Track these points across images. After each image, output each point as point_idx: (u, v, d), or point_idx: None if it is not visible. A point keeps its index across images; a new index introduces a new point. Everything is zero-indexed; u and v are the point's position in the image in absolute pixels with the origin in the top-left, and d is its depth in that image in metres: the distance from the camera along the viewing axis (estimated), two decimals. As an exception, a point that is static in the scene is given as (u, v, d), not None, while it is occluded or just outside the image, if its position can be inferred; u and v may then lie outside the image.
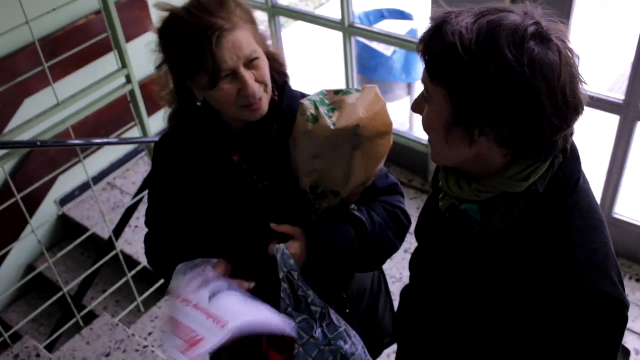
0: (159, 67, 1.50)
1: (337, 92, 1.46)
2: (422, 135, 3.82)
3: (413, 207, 3.68)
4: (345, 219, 1.54)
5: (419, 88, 4.64)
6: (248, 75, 1.40)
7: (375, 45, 4.35)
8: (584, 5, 2.85)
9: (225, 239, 1.60)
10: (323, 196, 1.51)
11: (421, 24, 4.43)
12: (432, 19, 1.10)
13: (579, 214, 1.16)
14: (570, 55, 1.07)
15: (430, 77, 1.10)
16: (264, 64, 1.45)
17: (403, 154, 3.85)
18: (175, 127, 1.60)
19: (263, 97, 1.45)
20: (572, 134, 1.15)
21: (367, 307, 1.82)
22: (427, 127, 1.17)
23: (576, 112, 1.08)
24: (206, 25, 1.35)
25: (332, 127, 1.39)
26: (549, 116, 1.04)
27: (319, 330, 1.49)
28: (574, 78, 1.06)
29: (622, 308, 1.14)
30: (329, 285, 1.64)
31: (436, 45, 1.07)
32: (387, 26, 4.44)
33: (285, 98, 1.55)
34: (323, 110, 1.42)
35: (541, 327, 1.17)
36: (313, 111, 1.41)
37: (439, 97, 1.09)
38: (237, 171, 1.54)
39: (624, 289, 1.17)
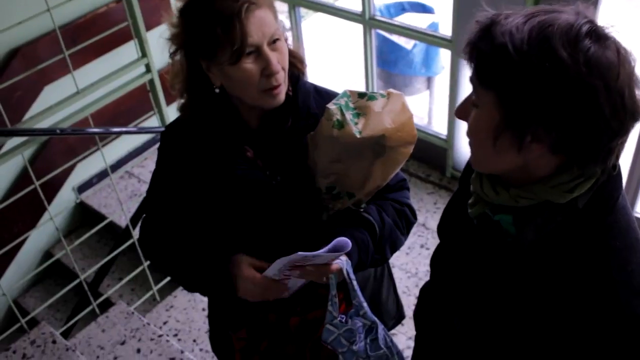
0: (173, 54, 1.48)
1: (361, 95, 1.44)
2: (440, 130, 3.80)
3: (430, 202, 3.65)
4: (359, 223, 1.54)
5: (438, 82, 4.61)
6: (272, 54, 1.39)
7: (395, 38, 4.33)
8: (608, 0, 2.82)
9: (235, 235, 1.59)
10: (338, 197, 1.51)
11: (442, 17, 4.39)
12: (477, 21, 1.05)
13: (618, 233, 1.12)
14: (627, 55, 1.02)
15: (478, 80, 1.05)
16: (285, 48, 1.43)
17: (421, 148, 3.80)
18: (185, 118, 1.57)
19: (282, 83, 1.44)
20: (624, 147, 1.09)
21: (372, 292, 1.84)
22: (473, 132, 1.12)
23: (633, 117, 1.01)
24: None
25: (357, 135, 1.38)
26: (607, 118, 0.98)
27: (361, 344, 1.49)
28: (632, 80, 1.00)
29: None
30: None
31: (485, 46, 1.02)
32: (408, 19, 4.40)
33: (300, 93, 1.53)
34: (348, 115, 1.40)
35: (571, 345, 1.14)
36: (339, 117, 1.39)
37: (488, 101, 1.04)
38: (251, 167, 1.52)
39: None
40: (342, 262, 1.46)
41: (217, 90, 1.47)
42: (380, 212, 1.58)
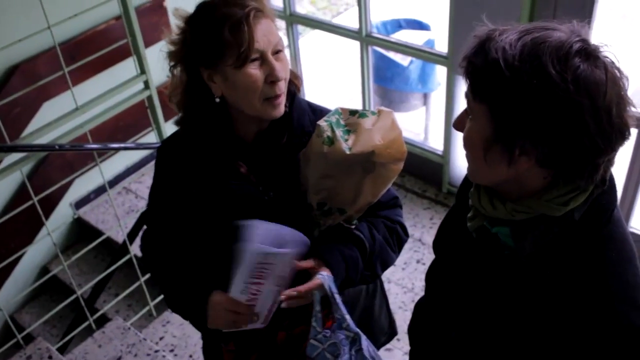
0: (173, 67, 1.51)
1: (352, 113, 1.47)
2: (436, 146, 3.82)
3: (426, 218, 3.67)
4: (349, 240, 1.56)
5: (434, 98, 4.64)
6: (276, 62, 1.42)
7: (392, 55, 4.36)
8: (602, 17, 2.86)
9: (228, 249, 1.61)
10: (329, 213, 1.52)
11: (438, 34, 4.43)
12: (475, 36, 1.08)
13: (613, 245, 1.14)
14: (618, 74, 1.04)
15: (472, 93, 1.08)
16: (287, 61, 1.47)
17: (417, 164, 3.84)
18: (181, 132, 1.60)
19: (283, 96, 1.47)
20: (612, 163, 1.11)
21: (364, 308, 1.85)
22: (467, 144, 1.14)
23: (621, 135, 1.04)
24: (242, 4, 1.39)
25: (347, 152, 1.40)
26: (592, 135, 1.00)
27: (345, 357, 1.50)
28: (621, 99, 1.03)
29: None
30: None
31: (479, 61, 1.05)
32: (404, 36, 4.44)
33: (296, 110, 1.55)
34: (339, 132, 1.42)
35: (569, 357, 1.15)
36: (329, 133, 1.42)
37: (481, 114, 1.07)
38: (244, 182, 1.54)
39: None
40: (324, 277, 1.47)
41: (217, 100, 1.49)
42: (371, 229, 1.60)
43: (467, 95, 1.11)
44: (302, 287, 1.47)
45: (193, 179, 1.56)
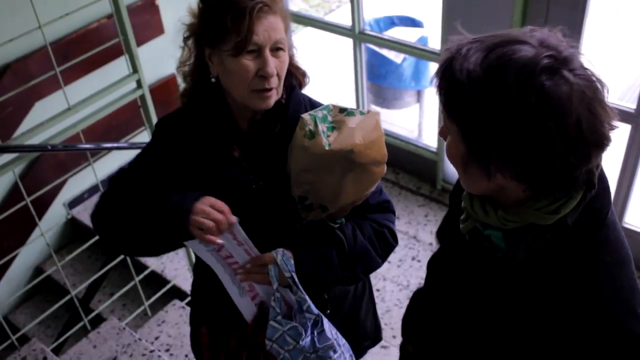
0: (187, 39, 1.55)
1: (341, 110, 1.48)
2: (430, 143, 3.82)
3: (421, 215, 3.67)
4: (328, 239, 1.56)
5: (428, 95, 4.64)
6: (271, 58, 1.44)
7: (385, 52, 4.36)
8: (596, 14, 2.86)
9: None
10: (310, 208, 1.53)
11: (431, 31, 4.43)
12: (447, 49, 1.07)
13: (607, 249, 1.13)
14: (590, 86, 1.00)
15: (445, 111, 1.08)
16: (286, 59, 1.49)
17: (412, 161, 3.85)
18: (182, 109, 1.62)
19: (274, 90, 1.48)
20: (597, 166, 1.08)
21: (349, 310, 1.84)
22: (448, 156, 1.15)
23: (597, 147, 1.01)
24: None
25: (326, 147, 1.41)
26: (563, 155, 0.98)
27: (307, 339, 1.49)
28: (593, 112, 0.99)
29: None
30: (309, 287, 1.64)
31: (446, 82, 1.05)
32: (398, 33, 4.43)
33: (292, 102, 1.58)
34: (322, 127, 1.43)
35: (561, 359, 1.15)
36: (312, 127, 1.43)
37: (455, 132, 1.07)
38: (236, 167, 1.56)
39: None
40: (277, 252, 1.49)
41: (212, 80, 1.53)
42: (355, 230, 1.59)
43: (442, 112, 1.11)
44: (255, 258, 1.50)
45: (186, 157, 1.58)
